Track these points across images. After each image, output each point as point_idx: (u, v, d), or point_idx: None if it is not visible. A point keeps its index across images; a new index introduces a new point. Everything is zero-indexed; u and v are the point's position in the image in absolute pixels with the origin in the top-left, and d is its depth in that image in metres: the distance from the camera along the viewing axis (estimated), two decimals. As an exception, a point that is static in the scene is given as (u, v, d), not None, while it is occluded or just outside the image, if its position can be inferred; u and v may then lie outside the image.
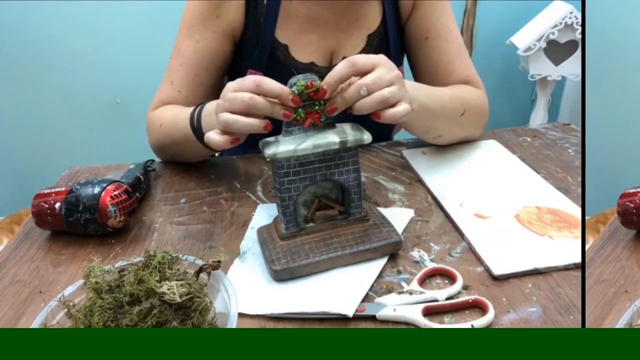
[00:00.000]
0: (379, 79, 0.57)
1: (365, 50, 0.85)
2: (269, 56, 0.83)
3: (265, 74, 0.83)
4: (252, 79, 0.57)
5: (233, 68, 0.88)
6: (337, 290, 0.56)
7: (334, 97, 0.58)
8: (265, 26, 0.82)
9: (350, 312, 0.52)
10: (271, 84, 0.57)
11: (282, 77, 0.59)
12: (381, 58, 0.59)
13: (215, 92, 0.88)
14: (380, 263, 0.60)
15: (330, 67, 0.86)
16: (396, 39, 0.88)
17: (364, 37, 0.85)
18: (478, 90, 0.86)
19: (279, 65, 0.84)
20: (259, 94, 0.57)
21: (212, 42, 0.82)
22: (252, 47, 0.84)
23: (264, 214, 0.71)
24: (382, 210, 0.68)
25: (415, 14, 0.86)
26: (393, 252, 0.61)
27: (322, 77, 0.58)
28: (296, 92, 0.56)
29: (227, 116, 0.57)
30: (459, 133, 0.86)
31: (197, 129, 0.71)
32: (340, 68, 0.57)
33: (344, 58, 0.84)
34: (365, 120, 0.61)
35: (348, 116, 0.60)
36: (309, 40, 0.84)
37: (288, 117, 0.57)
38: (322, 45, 0.85)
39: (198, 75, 0.83)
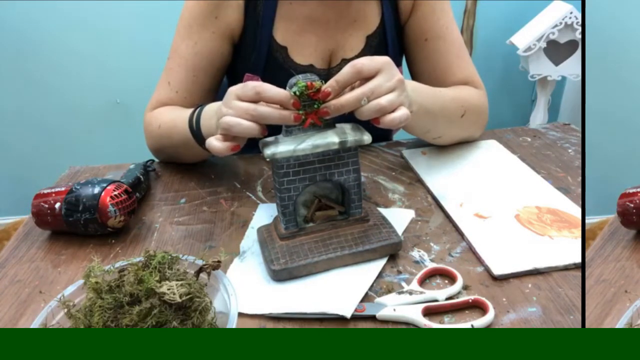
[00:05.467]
0: (379, 87, 0.57)
1: (364, 52, 0.85)
2: (266, 58, 0.83)
3: (263, 77, 0.83)
4: (253, 86, 0.57)
5: (232, 69, 0.88)
6: (335, 291, 0.56)
7: (329, 100, 0.58)
8: (263, 28, 0.81)
9: (348, 313, 0.52)
10: (272, 91, 0.57)
11: (281, 80, 0.59)
12: (385, 62, 0.59)
13: (213, 93, 0.87)
14: (380, 264, 0.60)
15: (329, 69, 0.86)
16: (395, 40, 0.88)
17: (363, 38, 0.85)
18: (478, 90, 0.86)
19: (278, 67, 0.84)
20: (259, 101, 0.57)
21: (211, 43, 0.82)
22: (251, 49, 0.84)
23: (265, 214, 0.71)
24: (382, 210, 0.68)
25: (414, 15, 0.86)
26: (392, 253, 0.61)
27: (321, 80, 0.58)
28: (297, 92, 0.56)
29: (228, 119, 0.57)
30: (459, 134, 0.86)
31: (197, 132, 0.71)
32: (345, 74, 0.57)
33: (343, 60, 0.85)
34: (364, 120, 0.61)
35: (348, 116, 0.60)
36: (308, 42, 0.84)
37: (298, 120, 0.57)
38: (321, 47, 0.85)
39: (196, 77, 0.83)
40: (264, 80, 0.80)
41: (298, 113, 0.57)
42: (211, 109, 0.69)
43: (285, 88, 0.57)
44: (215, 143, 0.60)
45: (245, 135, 0.58)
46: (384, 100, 0.57)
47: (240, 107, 0.57)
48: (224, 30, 0.82)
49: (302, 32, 0.83)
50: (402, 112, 0.58)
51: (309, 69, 0.84)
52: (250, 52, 0.84)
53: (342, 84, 0.57)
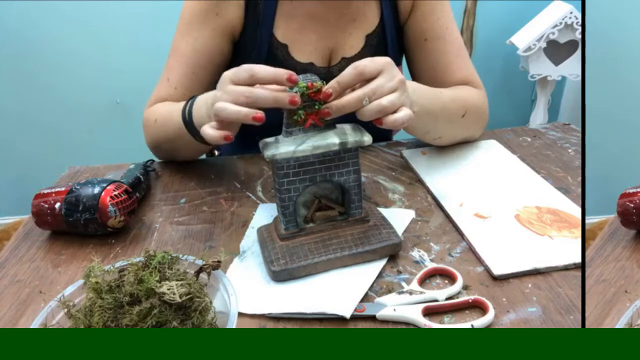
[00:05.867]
0: (380, 88, 0.57)
1: (363, 50, 0.85)
2: (267, 56, 0.83)
3: None
4: (246, 69, 0.56)
5: (231, 67, 0.88)
6: (335, 291, 0.56)
7: (330, 101, 0.57)
8: (263, 25, 0.82)
9: (347, 314, 0.52)
10: (265, 72, 0.56)
11: None
12: (386, 63, 0.59)
13: (212, 89, 0.88)
14: (380, 264, 0.60)
15: (329, 67, 0.86)
16: (395, 40, 0.88)
17: (362, 37, 0.85)
18: (478, 90, 0.86)
19: (278, 65, 0.83)
20: (254, 84, 0.57)
21: (211, 41, 0.82)
22: (251, 47, 0.84)
23: (265, 214, 0.71)
24: (383, 210, 0.68)
25: (414, 15, 0.86)
26: (392, 253, 0.61)
27: (321, 78, 0.57)
28: (297, 93, 0.56)
29: (221, 103, 0.57)
30: (460, 134, 0.86)
31: (189, 121, 0.71)
32: (347, 75, 0.57)
33: (343, 59, 0.85)
34: (366, 121, 0.61)
35: (349, 117, 0.60)
36: (308, 40, 0.84)
37: (295, 104, 0.55)
38: (321, 45, 0.85)
39: (195, 73, 0.83)
40: None
41: (294, 95, 0.55)
42: (203, 97, 0.69)
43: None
44: (208, 130, 0.59)
45: (237, 120, 0.57)
46: (385, 101, 0.57)
47: (234, 91, 0.57)
48: (224, 27, 0.82)
49: (303, 30, 0.83)
50: (404, 113, 0.58)
51: (309, 67, 0.84)
52: (251, 50, 0.84)
53: (344, 85, 0.57)
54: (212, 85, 0.87)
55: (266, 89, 0.56)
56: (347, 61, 0.85)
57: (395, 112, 0.58)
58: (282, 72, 0.55)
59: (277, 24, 0.83)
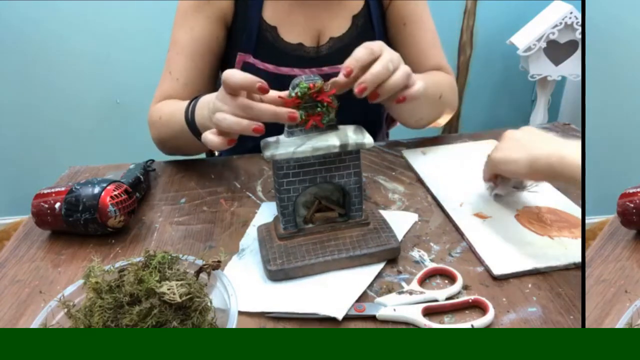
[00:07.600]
0: (391, 60, 0.60)
1: (350, 31, 0.88)
2: (257, 38, 0.85)
3: (255, 55, 0.85)
4: (222, 76, 0.56)
5: (225, 54, 0.90)
6: (329, 293, 0.56)
7: (359, 77, 0.58)
8: (252, 9, 0.84)
9: (339, 315, 0.52)
10: (232, 78, 0.55)
11: (272, 58, 0.60)
12: (383, 44, 0.61)
13: (212, 79, 0.90)
14: (377, 268, 0.59)
15: (318, 47, 0.88)
16: (380, 22, 0.91)
17: (349, 17, 0.88)
18: (449, 76, 0.93)
19: (268, 46, 0.86)
20: (236, 90, 0.56)
21: (207, 28, 0.84)
22: (241, 31, 0.86)
23: (268, 212, 0.71)
24: (385, 213, 0.68)
25: (394, 2, 0.90)
26: (390, 258, 0.61)
27: (311, 58, 0.58)
28: (299, 93, 0.56)
29: (220, 115, 0.57)
30: (437, 114, 0.91)
31: (191, 121, 0.72)
32: (362, 53, 0.58)
33: (330, 38, 0.88)
34: (368, 121, 0.62)
35: (350, 117, 0.60)
36: (296, 21, 0.86)
37: (294, 120, 0.55)
38: (309, 26, 0.87)
39: (195, 62, 0.85)
40: (256, 58, 0.84)
41: (294, 112, 0.55)
42: (205, 99, 0.70)
43: (277, 65, 0.57)
44: (210, 137, 0.59)
45: (237, 131, 0.57)
46: (406, 67, 0.61)
47: (233, 104, 0.56)
48: (217, 14, 0.85)
49: (291, 12, 0.86)
50: (420, 84, 0.63)
51: (299, 47, 0.87)
52: (241, 34, 0.86)
53: (362, 62, 0.58)
54: (211, 74, 0.89)
55: (264, 104, 0.56)
56: (334, 40, 0.87)
57: (407, 86, 0.61)
58: (252, 81, 0.55)
59: (266, 7, 0.85)
